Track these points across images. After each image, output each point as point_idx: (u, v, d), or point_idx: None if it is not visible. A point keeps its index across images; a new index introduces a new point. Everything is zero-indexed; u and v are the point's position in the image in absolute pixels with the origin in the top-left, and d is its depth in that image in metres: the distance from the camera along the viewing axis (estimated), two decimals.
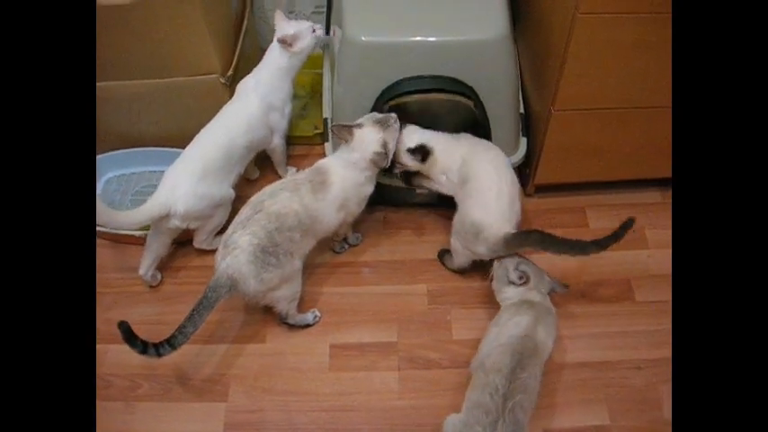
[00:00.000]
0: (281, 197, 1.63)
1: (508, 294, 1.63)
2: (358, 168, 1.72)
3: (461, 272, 1.87)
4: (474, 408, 1.37)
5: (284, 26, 1.87)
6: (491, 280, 1.70)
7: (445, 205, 1.88)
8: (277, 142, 1.98)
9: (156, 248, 1.82)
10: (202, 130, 1.82)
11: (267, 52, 1.92)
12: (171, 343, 1.49)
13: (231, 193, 1.84)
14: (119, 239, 1.96)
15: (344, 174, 1.72)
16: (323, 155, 1.97)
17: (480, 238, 1.67)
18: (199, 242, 1.89)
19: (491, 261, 1.71)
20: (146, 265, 1.83)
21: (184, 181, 1.73)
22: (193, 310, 1.51)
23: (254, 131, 1.86)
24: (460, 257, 1.79)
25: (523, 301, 1.59)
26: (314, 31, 1.89)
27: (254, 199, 1.65)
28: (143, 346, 1.48)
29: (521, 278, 1.61)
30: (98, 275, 1.89)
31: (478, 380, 1.42)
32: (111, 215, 1.63)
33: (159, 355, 1.49)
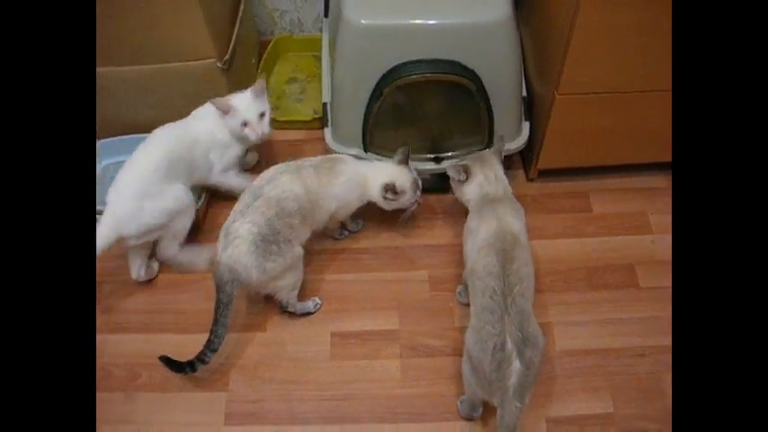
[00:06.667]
0: (282, 180, 1.62)
1: (468, 195, 1.68)
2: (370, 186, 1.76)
3: None
4: (481, 311, 1.42)
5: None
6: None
7: (445, 191, 1.86)
8: (214, 180, 1.86)
9: (138, 253, 1.78)
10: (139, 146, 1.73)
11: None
12: (210, 348, 1.56)
13: (186, 197, 1.74)
14: None
15: (357, 175, 1.74)
16: (322, 139, 1.95)
17: None
18: (162, 251, 1.78)
19: None
20: (135, 269, 1.79)
21: (126, 200, 1.63)
22: (216, 314, 1.54)
23: (192, 148, 1.76)
24: None
25: (484, 199, 1.63)
26: (244, 125, 1.76)
27: (253, 185, 1.63)
28: (191, 366, 1.57)
29: (463, 173, 1.66)
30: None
31: (476, 287, 1.47)
32: None
33: (205, 363, 1.57)
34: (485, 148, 1.85)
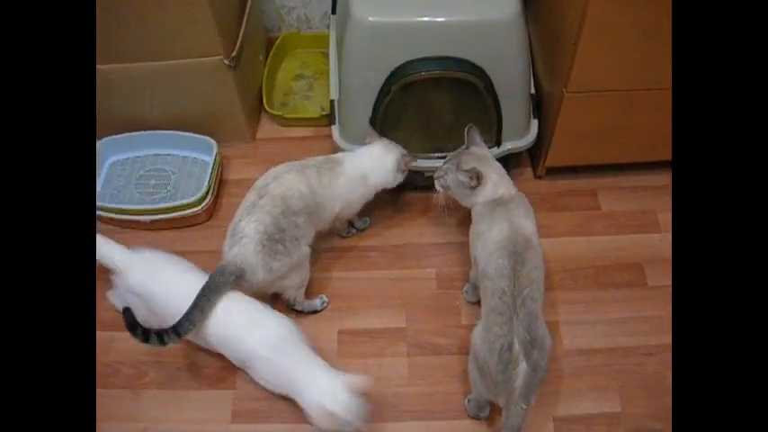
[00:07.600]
0: (287, 178, 1.61)
1: (481, 199, 1.60)
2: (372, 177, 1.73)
3: None
4: (490, 312, 1.41)
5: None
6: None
7: None
8: None
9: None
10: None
11: None
12: (176, 331, 1.42)
13: None
14: (123, 224, 1.94)
15: (355, 175, 1.71)
16: (329, 136, 1.94)
17: None
18: None
19: None
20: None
21: None
22: (199, 296, 1.44)
23: None
24: None
25: (496, 201, 1.57)
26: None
27: (258, 183, 1.62)
28: (144, 335, 1.42)
29: (475, 178, 1.57)
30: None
31: (487, 288, 1.46)
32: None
33: (163, 343, 1.42)
34: (493, 146, 1.84)
